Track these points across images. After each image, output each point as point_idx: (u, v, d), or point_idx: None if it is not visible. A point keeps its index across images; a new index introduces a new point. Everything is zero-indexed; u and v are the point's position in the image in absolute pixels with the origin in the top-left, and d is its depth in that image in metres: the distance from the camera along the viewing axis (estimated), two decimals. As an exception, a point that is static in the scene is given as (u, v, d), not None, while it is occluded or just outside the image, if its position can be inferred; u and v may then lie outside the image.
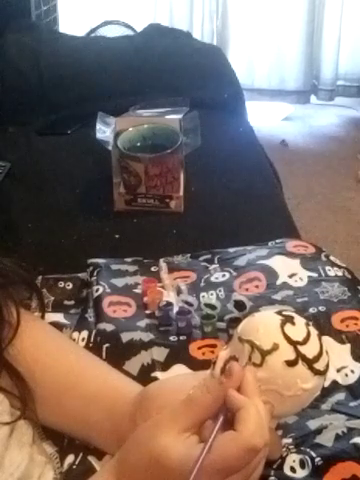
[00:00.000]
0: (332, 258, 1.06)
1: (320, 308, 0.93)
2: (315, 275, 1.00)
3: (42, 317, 0.86)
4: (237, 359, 0.61)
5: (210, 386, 0.58)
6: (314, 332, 0.62)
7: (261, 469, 0.60)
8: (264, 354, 0.59)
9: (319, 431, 0.74)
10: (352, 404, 0.79)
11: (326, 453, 0.71)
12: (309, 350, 0.60)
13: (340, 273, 1.01)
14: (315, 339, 0.61)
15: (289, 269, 1.02)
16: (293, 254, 1.06)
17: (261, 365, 0.59)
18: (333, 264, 1.04)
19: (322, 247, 1.10)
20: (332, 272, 1.01)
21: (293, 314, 0.63)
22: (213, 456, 0.54)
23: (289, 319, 0.61)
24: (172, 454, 0.55)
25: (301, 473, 0.69)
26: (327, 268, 1.02)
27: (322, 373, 0.61)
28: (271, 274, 1.01)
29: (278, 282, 0.99)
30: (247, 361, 0.60)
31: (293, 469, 0.69)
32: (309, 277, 1.00)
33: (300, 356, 0.59)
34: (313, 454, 0.71)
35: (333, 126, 3.32)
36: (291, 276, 1.00)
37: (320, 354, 0.60)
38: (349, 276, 1.01)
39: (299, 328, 0.61)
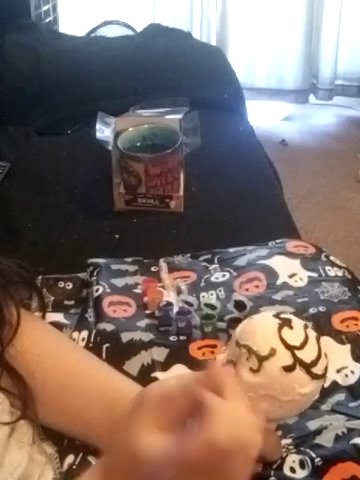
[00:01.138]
0: (332, 258, 1.06)
1: (320, 308, 0.93)
2: (315, 275, 1.00)
3: (43, 317, 0.86)
4: (235, 363, 0.60)
5: (188, 385, 0.57)
6: (312, 335, 0.61)
7: (245, 473, 0.57)
8: (261, 360, 0.58)
9: (319, 432, 0.74)
10: (352, 404, 0.79)
11: (326, 454, 0.71)
12: (307, 354, 0.59)
13: (340, 273, 1.01)
14: (313, 342, 0.60)
15: (289, 269, 1.02)
16: (293, 254, 1.06)
17: (258, 370, 0.58)
18: (333, 264, 1.04)
19: (322, 247, 1.10)
20: (332, 272, 1.01)
21: (291, 317, 0.62)
22: (176, 451, 0.53)
23: (287, 323, 0.61)
24: (144, 449, 0.55)
25: (301, 473, 0.69)
26: (327, 268, 1.02)
27: (320, 377, 0.60)
28: (271, 274, 1.01)
29: (278, 282, 0.99)
30: (245, 364, 0.60)
31: (293, 469, 0.69)
32: (309, 277, 1.00)
33: (297, 361, 0.58)
34: (313, 454, 0.71)
35: (333, 125, 3.32)
36: (291, 276, 1.00)
37: (318, 358, 0.60)
38: (349, 276, 1.01)
39: (297, 332, 0.60)
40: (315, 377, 0.59)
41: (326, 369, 0.61)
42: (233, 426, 0.54)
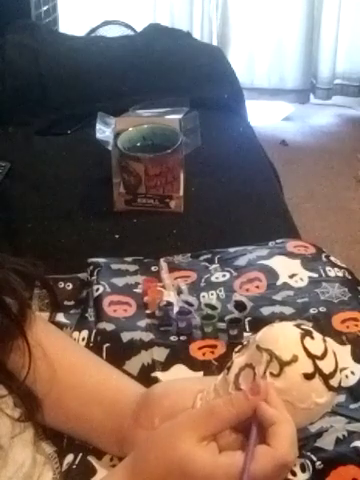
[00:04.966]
0: (332, 258, 1.06)
1: (320, 309, 0.93)
2: (315, 275, 1.00)
3: (51, 315, 0.87)
4: (253, 367, 0.61)
5: (235, 400, 0.58)
6: (331, 348, 0.62)
7: None
8: (283, 365, 0.59)
9: (319, 434, 0.74)
10: (352, 406, 0.79)
11: (327, 457, 0.71)
12: (326, 365, 0.60)
13: (340, 274, 1.01)
14: (332, 355, 0.62)
15: (289, 269, 1.02)
16: (293, 254, 1.06)
17: (279, 375, 0.59)
18: (333, 265, 1.03)
19: (322, 247, 1.10)
20: (332, 273, 1.01)
21: (311, 328, 0.64)
22: (252, 469, 0.55)
23: (308, 333, 0.62)
24: (196, 460, 0.56)
25: (302, 477, 0.69)
26: (327, 269, 1.02)
27: (335, 390, 0.61)
28: (271, 274, 1.01)
29: (278, 282, 0.99)
30: (265, 369, 0.60)
31: (294, 473, 0.69)
32: (309, 277, 1.00)
33: (317, 370, 0.59)
34: (314, 458, 0.71)
35: (333, 125, 3.31)
36: (291, 276, 1.00)
37: (335, 371, 0.61)
38: (349, 277, 1.01)
39: (317, 343, 0.62)
40: (331, 389, 0.60)
41: (340, 384, 0.62)
42: (294, 441, 0.58)
